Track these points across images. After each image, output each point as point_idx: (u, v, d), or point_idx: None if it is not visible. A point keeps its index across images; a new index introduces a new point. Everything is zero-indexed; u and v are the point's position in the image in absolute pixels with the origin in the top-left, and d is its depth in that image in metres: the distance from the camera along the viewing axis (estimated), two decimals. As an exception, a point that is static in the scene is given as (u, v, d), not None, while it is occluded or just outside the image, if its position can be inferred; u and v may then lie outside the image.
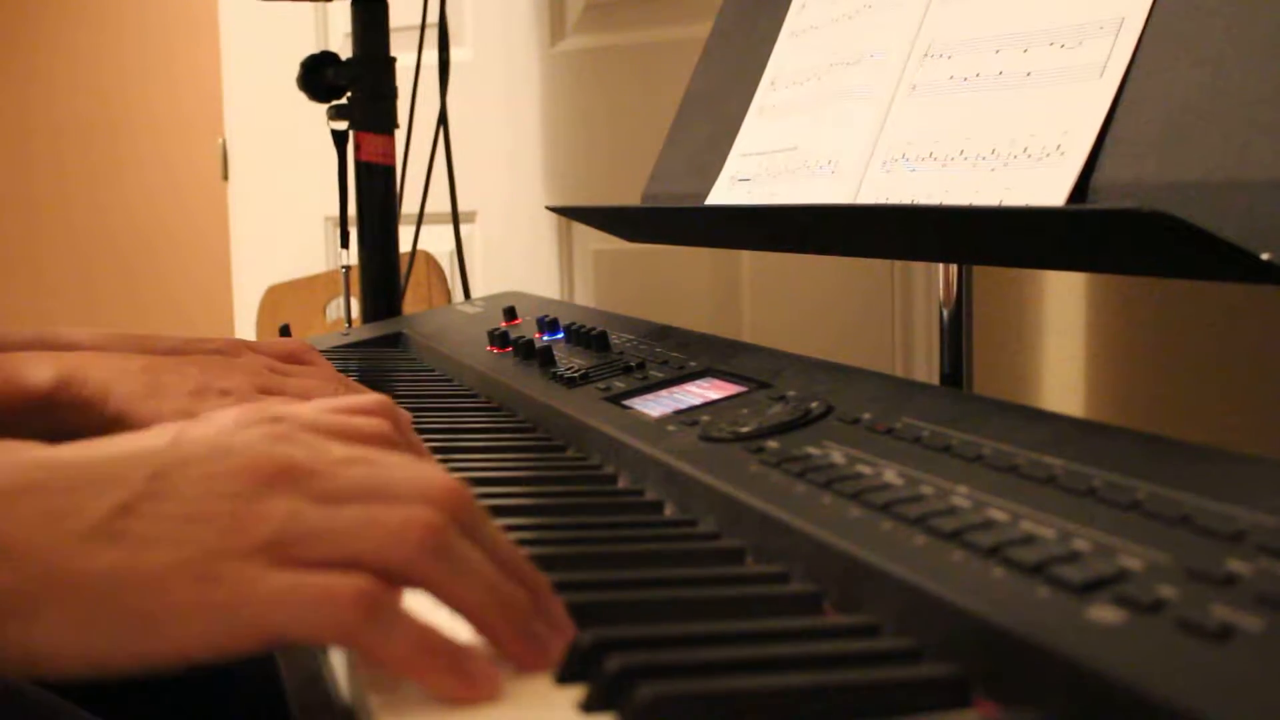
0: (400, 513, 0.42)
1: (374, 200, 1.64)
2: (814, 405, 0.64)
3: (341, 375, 0.88)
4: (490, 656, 0.42)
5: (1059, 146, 0.68)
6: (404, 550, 0.41)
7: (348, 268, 1.65)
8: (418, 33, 1.74)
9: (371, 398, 0.55)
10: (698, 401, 0.73)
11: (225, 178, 2.42)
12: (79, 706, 0.76)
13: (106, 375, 0.73)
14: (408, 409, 0.80)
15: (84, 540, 0.40)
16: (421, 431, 0.79)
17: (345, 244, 1.64)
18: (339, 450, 0.45)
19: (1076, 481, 0.46)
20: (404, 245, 1.72)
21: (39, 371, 0.71)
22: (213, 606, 0.39)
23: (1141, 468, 0.46)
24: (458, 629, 0.42)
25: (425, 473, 0.44)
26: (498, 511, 0.60)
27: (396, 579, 0.41)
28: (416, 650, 0.40)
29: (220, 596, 0.39)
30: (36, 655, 0.39)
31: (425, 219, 1.79)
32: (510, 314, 1.16)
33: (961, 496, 0.48)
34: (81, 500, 0.41)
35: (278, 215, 2.36)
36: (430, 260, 2.04)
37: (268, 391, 0.78)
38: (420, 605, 0.41)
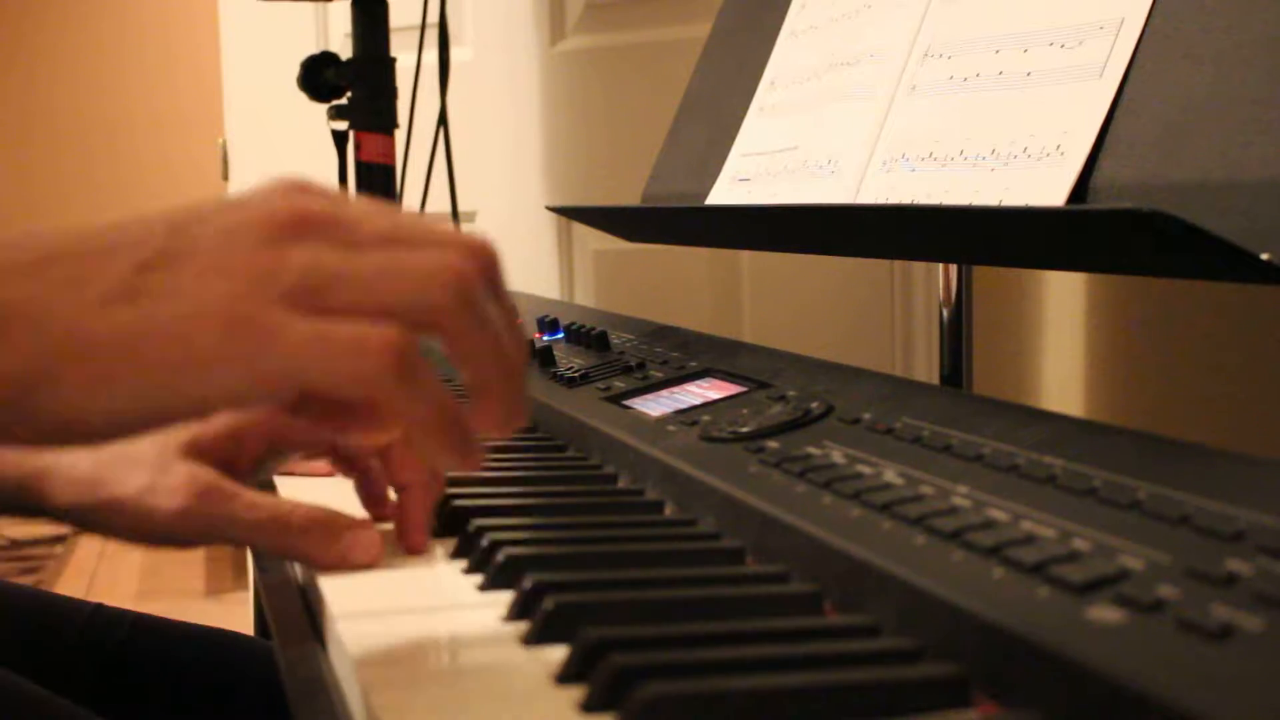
0: (431, 257, 0.41)
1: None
2: (814, 405, 0.64)
3: None
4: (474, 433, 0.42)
5: (1059, 146, 0.68)
6: (432, 295, 0.41)
7: (348, 268, 1.65)
8: (418, 33, 1.74)
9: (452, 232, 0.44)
10: (698, 401, 0.73)
11: (225, 178, 2.42)
12: (83, 708, 0.76)
13: None
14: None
15: (104, 302, 0.39)
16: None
17: (345, 244, 1.64)
18: (361, 204, 0.44)
19: (1076, 481, 0.46)
20: (404, 245, 1.71)
21: None
22: (236, 355, 0.39)
23: (1141, 468, 0.46)
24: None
25: (453, 228, 0.43)
26: (498, 511, 0.60)
27: (422, 325, 0.40)
28: (438, 414, 0.40)
29: (244, 344, 0.39)
30: (66, 421, 0.39)
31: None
32: (510, 314, 1.15)
33: (961, 496, 0.48)
34: (102, 264, 0.40)
35: (278, 215, 2.35)
36: (430, 260, 2.03)
37: None
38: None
